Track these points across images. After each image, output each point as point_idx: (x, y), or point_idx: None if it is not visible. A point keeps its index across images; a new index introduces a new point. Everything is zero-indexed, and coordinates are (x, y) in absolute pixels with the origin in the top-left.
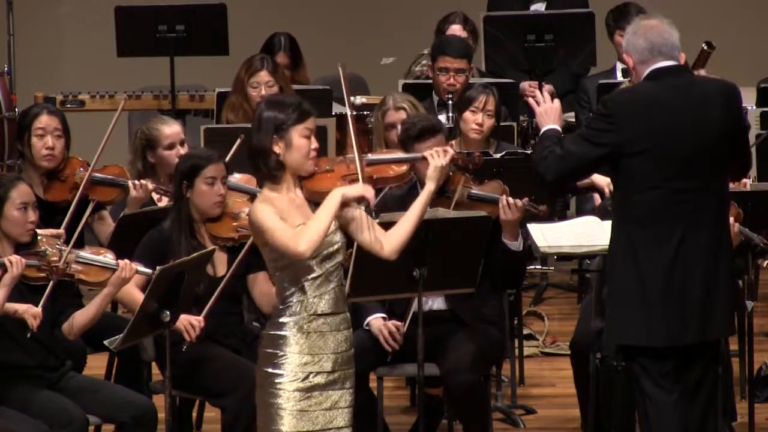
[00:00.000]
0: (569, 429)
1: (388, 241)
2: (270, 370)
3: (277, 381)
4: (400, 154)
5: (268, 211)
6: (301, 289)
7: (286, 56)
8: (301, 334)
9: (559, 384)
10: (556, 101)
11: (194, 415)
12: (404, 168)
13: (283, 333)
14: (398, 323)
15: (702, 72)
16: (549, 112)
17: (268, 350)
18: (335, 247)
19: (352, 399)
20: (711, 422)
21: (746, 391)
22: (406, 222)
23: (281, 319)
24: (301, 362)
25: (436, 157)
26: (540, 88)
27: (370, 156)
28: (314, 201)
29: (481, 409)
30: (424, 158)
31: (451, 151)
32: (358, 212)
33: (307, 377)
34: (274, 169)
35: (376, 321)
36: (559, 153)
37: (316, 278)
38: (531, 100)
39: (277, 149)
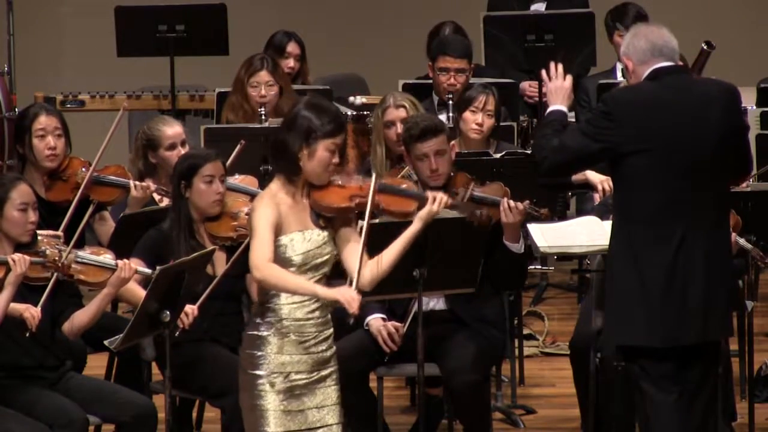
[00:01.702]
0: (569, 429)
1: (365, 273)
2: (251, 371)
3: (258, 382)
4: (409, 188)
5: (266, 214)
6: (282, 293)
7: (297, 46)
8: (279, 335)
9: (559, 384)
10: (569, 79)
11: (194, 415)
12: (412, 208)
13: (261, 333)
14: (398, 324)
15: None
16: (559, 90)
17: (248, 351)
18: (324, 258)
19: (339, 395)
20: (711, 422)
21: (746, 391)
22: (385, 258)
23: (259, 320)
24: (280, 362)
25: (436, 202)
26: (540, 88)
27: (383, 182)
28: (316, 211)
29: (481, 409)
30: (425, 198)
31: (446, 202)
32: (354, 234)
33: (287, 377)
34: (291, 171)
35: (375, 321)
36: (555, 145)
37: None
38: (543, 74)
39: (300, 154)
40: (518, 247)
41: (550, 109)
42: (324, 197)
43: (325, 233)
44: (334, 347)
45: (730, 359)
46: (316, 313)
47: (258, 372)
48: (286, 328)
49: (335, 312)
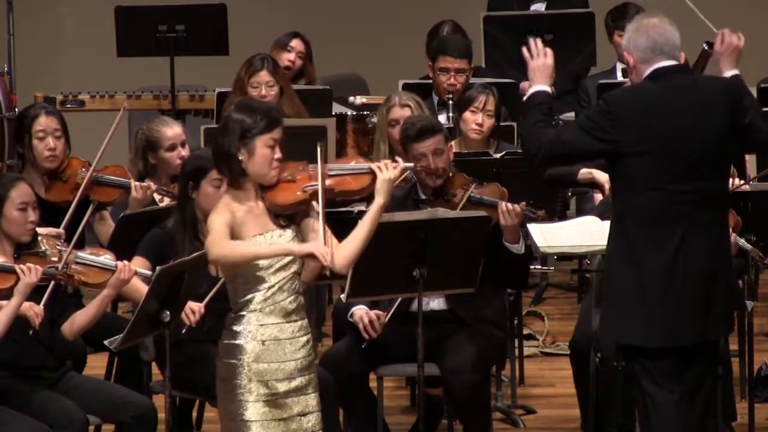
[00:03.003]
0: (569, 429)
1: (340, 255)
2: (228, 380)
3: (238, 392)
4: (357, 165)
5: (220, 218)
6: (253, 298)
7: (301, 43)
8: (255, 343)
9: (559, 384)
10: (550, 55)
11: (194, 415)
12: (367, 181)
13: (237, 342)
14: (379, 312)
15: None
16: (542, 69)
17: (225, 360)
18: (291, 257)
19: (319, 401)
20: (710, 422)
21: (746, 391)
22: (356, 237)
23: (235, 328)
24: (258, 370)
25: (384, 170)
26: None
27: (331, 166)
28: (274, 212)
29: (481, 409)
30: (372, 171)
31: (401, 165)
32: (319, 223)
33: (266, 385)
34: (238, 175)
35: (358, 311)
36: (553, 137)
37: (269, 288)
38: (524, 52)
39: (240, 156)
40: (518, 248)
41: (533, 89)
42: (277, 196)
43: (289, 231)
44: (313, 354)
45: (730, 359)
46: (293, 317)
47: (236, 381)
48: (262, 335)
49: (335, 312)
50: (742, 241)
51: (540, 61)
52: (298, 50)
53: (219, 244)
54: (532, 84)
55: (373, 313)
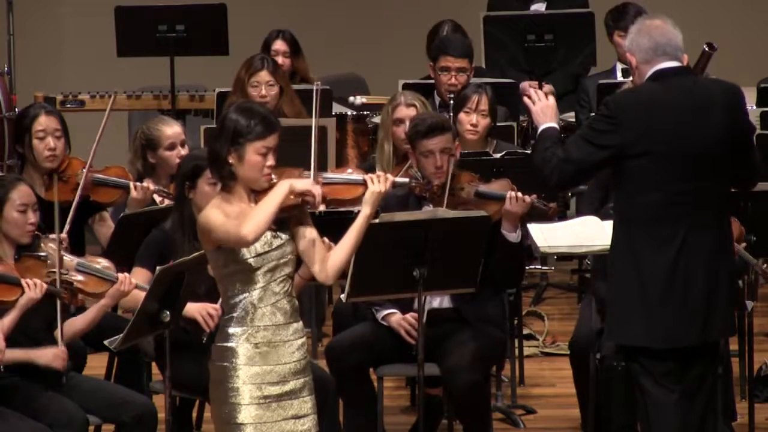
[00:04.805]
0: (569, 429)
1: (326, 265)
2: (222, 384)
3: (230, 395)
4: (351, 176)
5: (215, 213)
6: (245, 299)
7: (284, 43)
8: (249, 345)
9: (559, 384)
10: (551, 98)
11: (194, 415)
12: (359, 192)
13: (230, 345)
14: (415, 314)
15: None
16: (545, 110)
17: (218, 363)
18: (284, 259)
19: (314, 404)
20: (710, 422)
21: (746, 391)
22: (342, 247)
23: (228, 330)
24: (251, 373)
25: (375, 182)
26: (540, 88)
27: (326, 175)
28: None
29: (481, 409)
30: (364, 182)
31: (391, 179)
32: (309, 230)
33: (260, 388)
34: (227, 179)
35: (394, 317)
36: (561, 156)
37: (259, 289)
38: (526, 99)
39: (230, 159)
40: (515, 237)
41: (542, 127)
42: None
43: (283, 235)
44: (308, 357)
45: (730, 359)
46: (286, 319)
47: (228, 384)
48: (254, 338)
49: (335, 312)
50: (746, 255)
51: (542, 103)
52: (282, 51)
53: (242, 225)
54: (539, 125)
55: (410, 317)
